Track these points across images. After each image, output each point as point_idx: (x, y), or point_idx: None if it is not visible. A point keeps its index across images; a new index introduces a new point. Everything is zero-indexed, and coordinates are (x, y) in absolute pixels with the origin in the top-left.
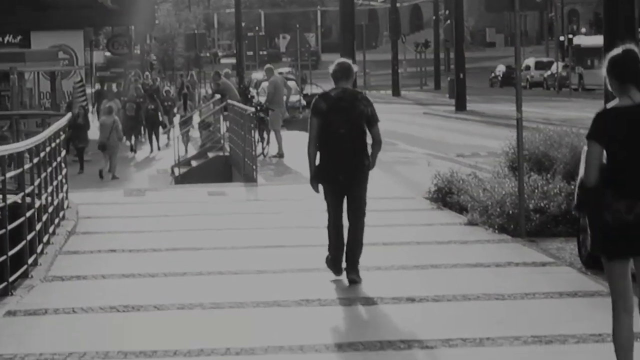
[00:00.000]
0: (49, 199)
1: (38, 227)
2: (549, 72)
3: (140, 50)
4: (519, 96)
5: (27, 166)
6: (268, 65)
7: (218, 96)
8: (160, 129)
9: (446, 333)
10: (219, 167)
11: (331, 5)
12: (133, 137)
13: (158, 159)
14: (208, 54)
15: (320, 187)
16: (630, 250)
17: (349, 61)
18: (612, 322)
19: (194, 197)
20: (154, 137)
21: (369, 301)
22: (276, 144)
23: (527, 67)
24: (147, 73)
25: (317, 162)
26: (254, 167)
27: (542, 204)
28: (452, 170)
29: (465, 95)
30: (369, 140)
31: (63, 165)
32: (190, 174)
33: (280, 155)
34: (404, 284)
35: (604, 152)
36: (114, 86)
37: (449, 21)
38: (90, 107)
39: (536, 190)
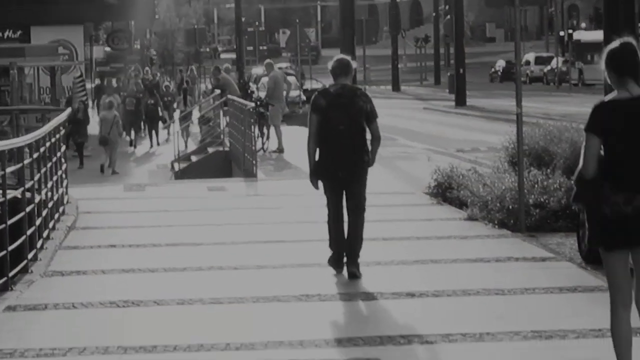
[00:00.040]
0: (49, 194)
1: (38, 222)
2: (548, 67)
3: (140, 46)
4: (518, 91)
5: (27, 161)
6: (268, 60)
7: (218, 91)
8: (160, 124)
9: (446, 328)
10: (219, 162)
11: (331, 0)
12: (133, 132)
13: (158, 154)
14: (208, 49)
15: (320, 182)
16: (629, 242)
17: (348, 57)
18: (610, 317)
19: (193, 192)
20: (153, 132)
21: (368, 296)
22: (276, 139)
23: (527, 62)
24: (147, 68)
25: (317, 158)
26: (254, 162)
27: (542, 199)
28: (452, 166)
29: (465, 90)
30: (368, 136)
31: (63, 160)
32: (190, 169)
33: (280, 150)
34: (404, 279)
35: (602, 144)
36: (113, 81)
37: (449, 16)
38: (90, 102)
39: (536, 185)
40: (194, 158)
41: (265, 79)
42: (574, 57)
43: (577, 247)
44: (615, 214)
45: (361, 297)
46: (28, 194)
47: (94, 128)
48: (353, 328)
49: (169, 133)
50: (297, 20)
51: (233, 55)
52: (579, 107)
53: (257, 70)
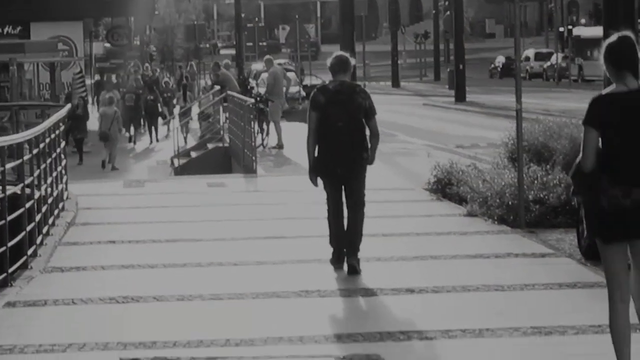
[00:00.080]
0: (49, 190)
1: (37, 218)
2: (548, 63)
3: (139, 42)
4: (518, 87)
5: (26, 157)
6: (267, 56)
7: (217, 87)
8: (160, 120)
9: (445, 324)
10: (219, 158)
11: None
12: (132, 128)
13: (157, 150)
14: (208, 45)
15: (320, 179)
16: (627, 235)
17: (347, 54)
18: (609, 312)
19: (193, 188)
20: (153, 128)
21: (368, 292)
22: (276, 135)
23: (527, 58)
24: (147, 65)
25: (316, 154)
26: (254, 158)
27: (541, 195)
28: (451, 162)
29: (464, 86)
30: (367, 132)
31: (62, 156)
32: (189, 165)
33: (279, 146)
34: (404, 275)
35: (600, 137)
36: (113, 77)
37: (448, 12)
38: (90, 98)
39: (535, 181)
40: (193, 154)
41: (264, 75)
42: (573, 53)
43: (577, 243)
44: (613, 206)
45: (361, 293)
46: (28, 190)
47: (93, 124)
48: (353, 324)
49: (168, 129)
50: (297, 16)
51: (233, 51)
52: (578, 103)
53: (257, 66)
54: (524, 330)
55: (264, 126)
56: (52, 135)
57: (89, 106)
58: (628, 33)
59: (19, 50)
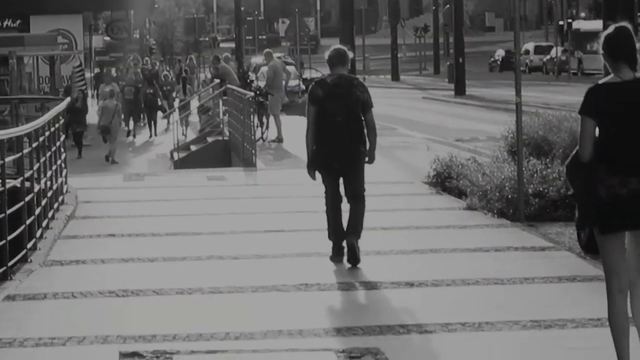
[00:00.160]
0: (48, 183)
1: (37, 211)
2: (548, 57)
3: (139, 35)
4: (518, 81)
5: (26, 151)
6: (267, 50)
7: (217, 80)
8: (159, 114)
9: (445, 318)
10: (218, 151)
11: None
12: (131, 122)
13: (157, 144)
14: (207, 39)
15: (318, 172)
16: (624, 225)
17: (345, 47)
18: (607, 303)
19: (193, 182)
20: (152, 122)
21: (368, 286)
22: (275, 129)
23: (527, 52)
24: (146, 58)
25: (314, 148)
26: (253, 151)
27: (541, 189)
28: (451, 155)
29: (464, 79)
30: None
31: (62, 149)
32: (189, 159)
33: (279, 139)
34: (403, 269)
35: (597, 127)
36: (113, 70)
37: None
38: (90, 92)
39: (535, 175)
40: (193, 147)
41: (264, 69)
42: (573, 47)
43: (577, 236)
44: (611, 196)
45: (360, 286)
46: (27, 184)
47: (92, 117)
48: (352, 317)
49: (168, 122)
50: (297, 10)
51: (232, 45)
52: (578, 97)
53: (257, 59)
54: (524, 324)
55: (264, 120)
56: (52, 129)
57: (89, 99)
58: (625, 24)
59: (19, 44)
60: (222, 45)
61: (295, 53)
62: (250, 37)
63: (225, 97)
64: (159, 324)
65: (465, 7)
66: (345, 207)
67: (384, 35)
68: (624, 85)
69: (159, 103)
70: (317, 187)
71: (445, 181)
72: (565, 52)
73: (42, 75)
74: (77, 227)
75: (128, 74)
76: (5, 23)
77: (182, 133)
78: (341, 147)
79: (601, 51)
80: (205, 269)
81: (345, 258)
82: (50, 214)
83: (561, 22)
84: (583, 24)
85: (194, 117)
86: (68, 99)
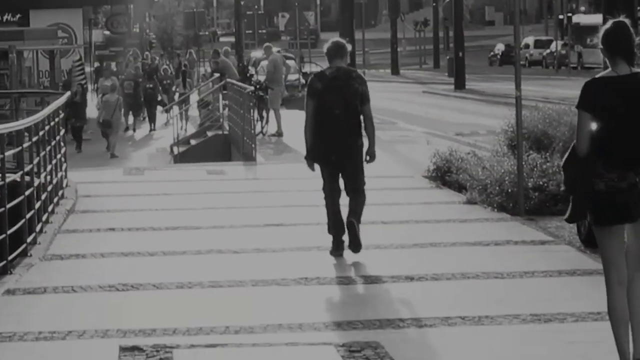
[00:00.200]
0: (48, 177)
1: (37, 205)
2: (548, 51)
3: (139, 29)
4: (518, 74)
5: (26, 145)
6: (267, 44)
7: (217, 75)
8: (159, 108)
9: (445, 312)
10: (218, 145)
11: None
12: (131, 116)
13: (157, 138)
14: (207, 33)
15: (317, 165)
16: (623, 217)
17: (343, 40)
18: (607, 296)
19: (193, 176)
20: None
21: (367, 280)
22: (275, 123)
23: (527, 46)
24: (146, 52)
25: (313, 140)
26: (253, 145)
27: (541, 182)
28: (451, 149)
29: (464, 73)
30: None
31: (62, 143)
32: (189, 153)
33: (279, 134)
34: (403, 263)
35: (595, 121)
36: (112, 65)
37: None
38: (90, 86)
39: (535, 169)
40: (193, 142)
41: (264, 63)
42: (573, 41)
43: (576, 230)
44: (610, 189)
45: (360, 280)
46: (27, 178)
47: (92, 111)
48: (352, 311)
49: (168, 117)
50: (297, 4)
51: (232, 39)
52: (577, 91)
53: (257, 53)
54: (524, 318)
55: (264, 114)
56: (52, 123)
57: (89, 94)
58: (623, 19)
59: (19, 38)
60: (222, 39)
61: (294, 47)
62: (250, 31)
63: (225, 91)
64: (158, 318)
65: (465, 1)
66: (344, 202)
67: (384, 29)
68: (620, 79)
69: (159, 97)
70: (316, 181)
71: (445, 175)
72: (565, 46)
73: (42, 69)
74: (77, 221)
75: (128, 68)
76: (5, 17)
77: (182, 127)
78: (339, 140)
79: (600, 46)
80: (205, 263)
81: (344, 252)
82: (50, 208)
83: (561, 16)
84: (583, 18)
85: (194, 111)
86: (68, 93)
